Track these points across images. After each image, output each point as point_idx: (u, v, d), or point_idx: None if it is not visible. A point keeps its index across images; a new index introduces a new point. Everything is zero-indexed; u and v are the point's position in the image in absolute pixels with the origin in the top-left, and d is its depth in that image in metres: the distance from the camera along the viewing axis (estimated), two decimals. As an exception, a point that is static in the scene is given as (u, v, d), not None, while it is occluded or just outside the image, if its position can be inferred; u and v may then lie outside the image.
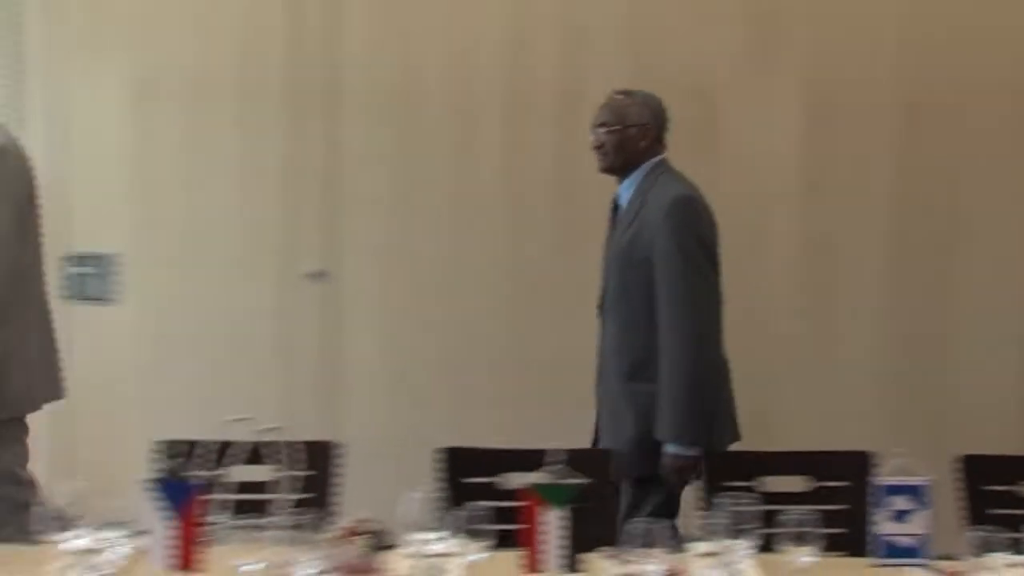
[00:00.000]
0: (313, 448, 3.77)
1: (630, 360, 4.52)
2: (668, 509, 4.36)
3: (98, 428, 6.31)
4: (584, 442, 4.53)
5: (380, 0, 6.32)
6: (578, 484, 2.96)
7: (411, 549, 3.09)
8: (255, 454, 3.60)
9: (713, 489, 3.47)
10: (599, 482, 3.43)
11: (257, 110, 6.33)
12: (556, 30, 6.26)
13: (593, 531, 3.11)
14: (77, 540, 3.15)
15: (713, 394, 4.45)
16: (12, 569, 3.26)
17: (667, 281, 4.37)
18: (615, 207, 4.71)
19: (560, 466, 3.00)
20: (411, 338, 6.36)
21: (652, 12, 6.21)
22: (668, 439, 4.33)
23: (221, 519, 3.34)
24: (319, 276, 6.33)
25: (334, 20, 6.26)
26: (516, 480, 3.57)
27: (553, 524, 2.95)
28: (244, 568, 2.92)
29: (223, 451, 3.55)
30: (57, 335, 4.62)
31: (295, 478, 3.54)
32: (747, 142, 6.23)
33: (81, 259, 6.39)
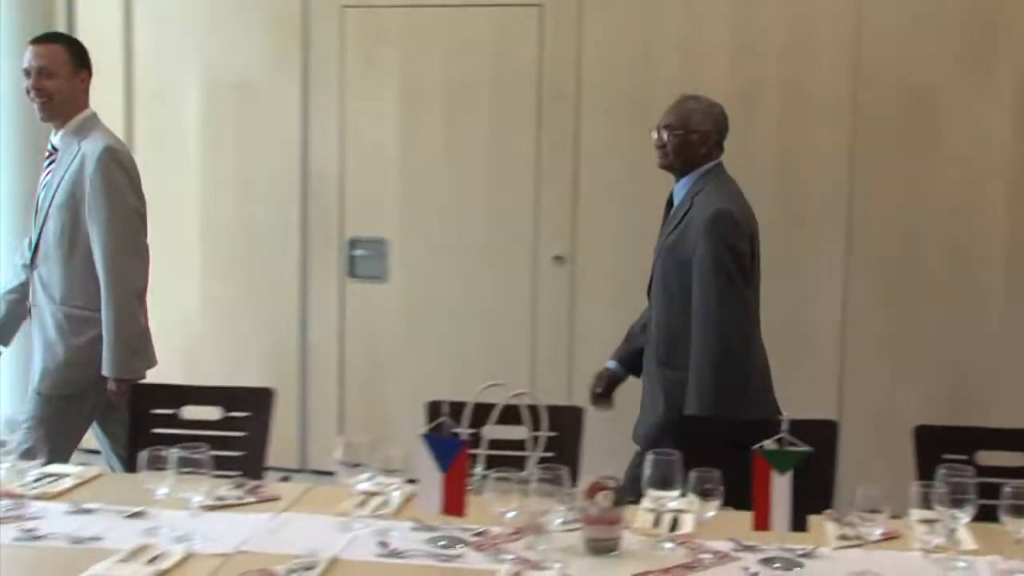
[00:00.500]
0: (556, 412, 3.79)
1: (665, 346, 4.52)
2: None
3: (369, 388, 6.54)
4: (812, 413, 4.48)
5: (615, 13, 6.37)
6: (803, 452, 3.00)
7: (651, 504, 3.20)
8: (508, 415, 3.69)
9: (931, 462, 3.43)
10: (820, 450, 3.41)
11: (508, 112, 6.46)
12: (779, 31, 6.23)
13: (814, 495, 3.12)
14: (363, 483, 3.36)
15: (731, 391, 4.33)
16: (315, 503, 3.45)
17: (701, 285, 4.35)
18: (669, 203, 4.68)
19: (786, 435, 3.00)
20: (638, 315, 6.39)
21: (873, 12, 6.11)
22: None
23: (480, 471, 3.46)
24: (560, 260, 6.44)
25: (574, 32, 6.35)
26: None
27: (781, 487, 2.94)
28: (508, 514, 3.05)
29: (481, 412, 3.63)
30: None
31: (542, 437, 3.61)
32: (962, 143, 6.08)
33: (358, 243, 6.63)
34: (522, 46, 6.44)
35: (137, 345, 4.66)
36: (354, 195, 6.60)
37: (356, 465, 3.25)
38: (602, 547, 2.97)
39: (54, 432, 4.38)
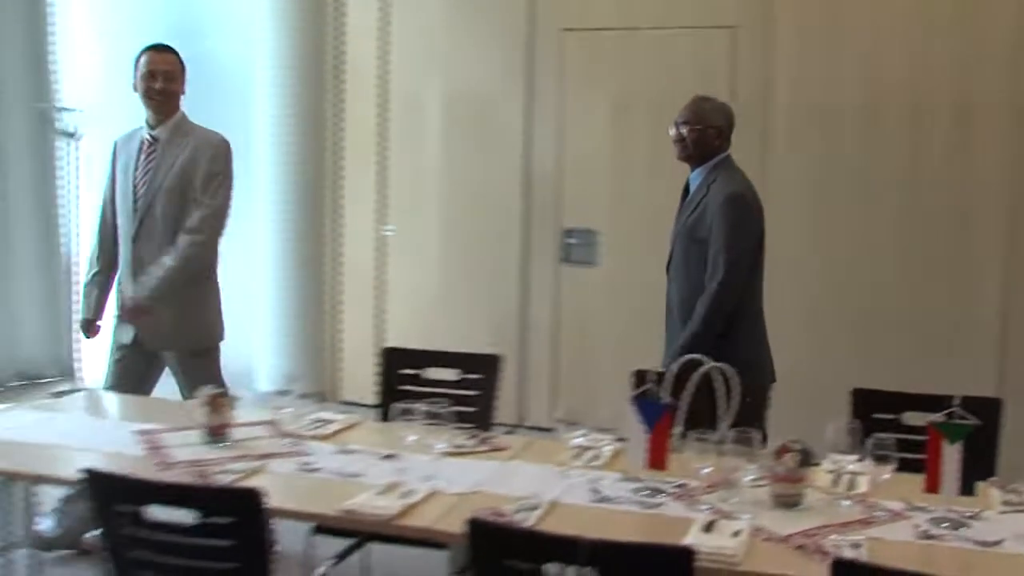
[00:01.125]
0: (744, 384, 3.67)
1: (686, 314, 4.51)
2: None
3: (579, 357, 6.63)
4: (972, 390, 4.39)
5: (803, 35, 6.32)
6: (971, 425, 2.97)
7: (831, 466, 3.23)
8: (703, 385, 3.70)
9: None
10: (985, 424, 3.34)
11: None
12: (951, 41, 6.14)
13: (980, 464, 3.07)
14: (578, 439, 3.46)
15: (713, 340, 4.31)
16: (537, 454, 3.53)
17: (715, 256, 4.38)
18: (686, 190, 4.69)
19: (956, 408, 2.97)
20: (829, 300, 6.35)
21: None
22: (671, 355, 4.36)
23: (679, 432, 3.51)
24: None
25: (766, 51, 6.33)
26: (917, 418, 3.54)
27: (951, 456, 2.90)
28: (704, 470, 3.09)
29: (679, 381, 3.65)
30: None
31: (733, 405, 3.62)
32: None
33: (571, 233, 6.72)
34: (718, 63, 6.43)
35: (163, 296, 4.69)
36: (569, 191, 6.69)
37: (573, 423, 3.33)
38: (787, 502, 2.99)
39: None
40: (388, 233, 7.12)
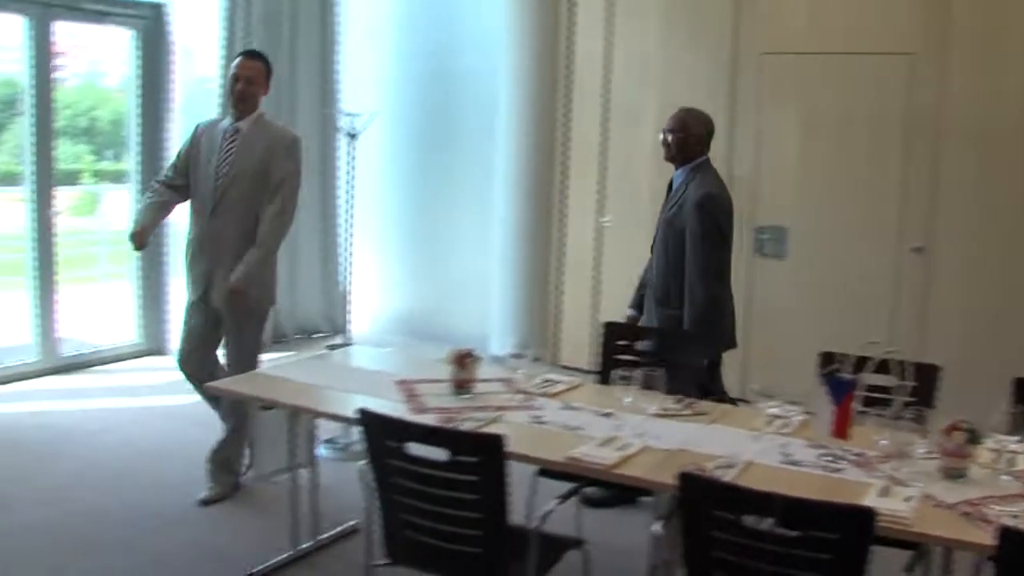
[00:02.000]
0: (922, 368, 3.65)
1: (662, 291, 4.62)
2: None
3: (769, 338, 6.51)
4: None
5: (976, 62, 6.03)
6: None
7: (994, 445, 3.09)
8: (882, 366, 3.59)
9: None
10: None
11: (882, 135, 6.27)
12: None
13: None
14: (772, 408, 3.39)
15: (715, 318, 4.51)
16: (733, 420, 3.46)
17: (692, 247, 4.47)
18: (670, 186, 4.75)
19: None
20: (993, 298, 6.07)
21: None
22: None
23: (861, 408, 3.41)
24: (918, 251, 6.23)
25: (943, 77, 6.08)
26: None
27: None
28: (881, 442, 3.00)
29: (861, 362, 3.55)
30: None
31: (908, 386, 3.50)
32: None
33: (764, 229, 6.59)
34: (896, 86, 6.21)
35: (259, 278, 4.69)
36: (763, 193, 6.56)
37: (769, 396, 3.26)
38: (954, 474, 2.88)
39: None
40: (606, 224, 7.11)
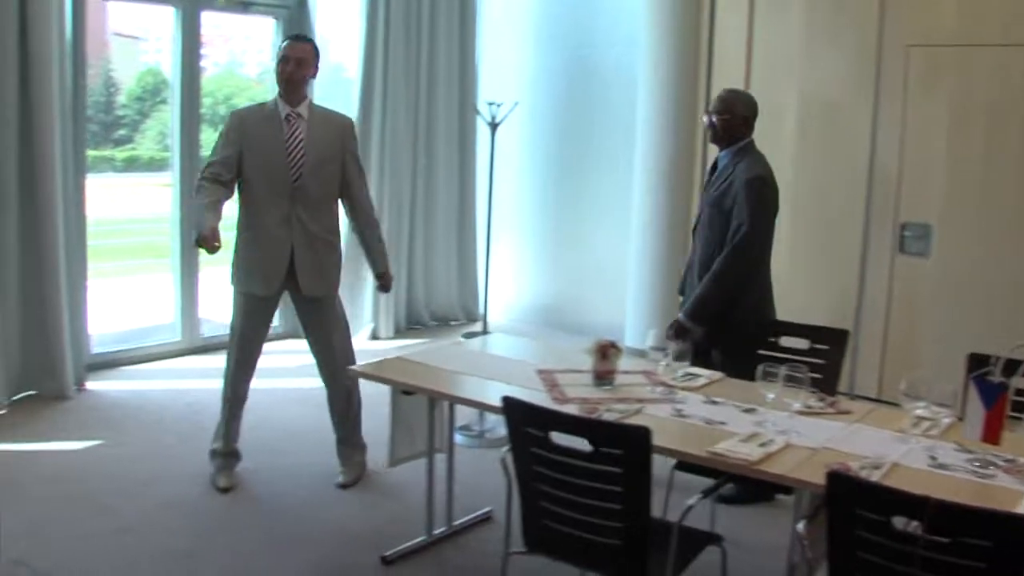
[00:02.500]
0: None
1: (706, 271, 4.60)
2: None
3: (908, 338, 6.38)
4: None
5: None
6: None
7: None
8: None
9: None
10: None
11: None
12: None
13: None
14: (918, 410, 3.32)
15: (726, 298, 4.54)
16: (878, 420, 3.42)
17: (737, 227, 4.48)
18: (714, 167, 4.75)
19: None
20: None
21: None
22: (684, 315, 4.57)
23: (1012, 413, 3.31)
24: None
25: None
26: None
27: None
28: None
29: (1011, 365, 3.45)
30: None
31: None
32: None
33: (907, 226, 6.43)
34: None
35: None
36: (907, 189, 6.40)
37: (916, 397, 3.20)
38: None
39: None
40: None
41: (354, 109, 7.56)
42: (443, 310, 8.52)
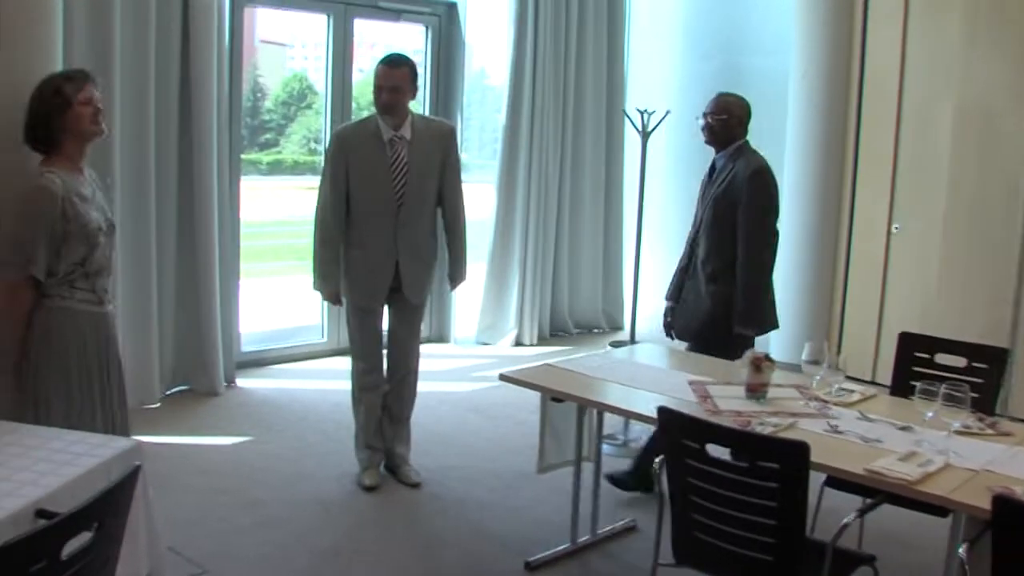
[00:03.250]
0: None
1: (712, 269, 4.74)
2: None
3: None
4: None
5: None
6: None
7: None
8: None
9: None
10: None
11: None
12: None
13: None
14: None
15: (765, 296, 4.75)
16: None
17: (745, 222, 4.64)
18: (712, 169, 4.89)
19: None
20: None
21: None
22: (739, 325, 4.65)
23: None
24: None
25: None
26: None
27: None
28: None
29: None
30: None
31: None
32: None
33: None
34: None
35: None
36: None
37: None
38: None
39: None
40: (895, 230, 6.91)
41: (501, 115, 7.68)
42: (586, 318, 8.57)
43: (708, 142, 4.90)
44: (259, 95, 14.18)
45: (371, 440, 5.00)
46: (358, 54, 7.53)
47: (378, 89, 4.62)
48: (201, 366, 6.32)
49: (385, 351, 5.01)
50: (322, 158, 7.14)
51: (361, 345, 4.94)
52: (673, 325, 5.08)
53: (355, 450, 5.06)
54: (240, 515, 4.55)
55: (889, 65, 6.91)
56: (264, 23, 13.02)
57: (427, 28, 7.70)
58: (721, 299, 4.72)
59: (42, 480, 2.50)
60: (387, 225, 4.74)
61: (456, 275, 5.04)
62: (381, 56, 4.76)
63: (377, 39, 9.56)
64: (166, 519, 3.89)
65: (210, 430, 5.71)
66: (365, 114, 5.28)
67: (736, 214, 4.66)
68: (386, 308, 4.97)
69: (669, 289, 5.11)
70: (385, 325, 5.02)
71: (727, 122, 4.79)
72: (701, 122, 4.87)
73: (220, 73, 6.15)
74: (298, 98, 14.41)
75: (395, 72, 4.63)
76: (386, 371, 5.01)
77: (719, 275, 4.74)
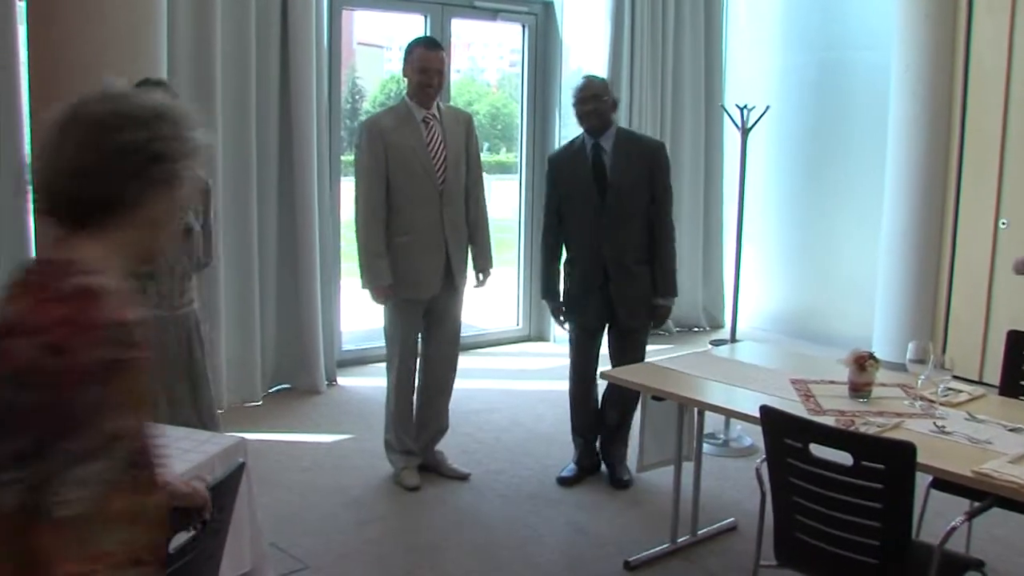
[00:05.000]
0: None
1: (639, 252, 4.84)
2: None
3: None
4: None
5: None
6: None
7: None
8: None
9: None
10: None
11: None
12: None
13: None
14: None
15: None
16: None
17: (665, 204, 4.89)
18: (597, 155, 4.83)
19: None
20: None
21: None
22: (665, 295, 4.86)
23: None
24: None
25: None
26: None
27: None
28: None
29: None
30: None
31: None
32: None
33: None
34: None
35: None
36: None
37: None
38: None
39: None
40: (1002, 226, 6.73)
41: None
42: (687, 316, 8.51)
43: (593, 127, 4.83)
44: (357, 97, 14.38)
45: (409, 444, 5.03)
46: (455, 54, 7.59)
47: (427, 72, 4.66)
48: (303, 365, 6.44)
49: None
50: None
51: (401, 347, 4.93)
52: None
53: (389, 453, 5.09)
54: (340, 512, 4.63)
55: (996, 56, 6.71)
56: (362, 25, 13.15)
57: (524, 27, 7.73)
58: (647, 281, 4.91)
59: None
60: (432, 209, 4.74)
61: (483, 266, 5.01)
62: (418, 39, 4.90)
63: (474, 38, 9.64)
64: (268, 515, 3.99)
65: (311, 428, 5.81)
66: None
67: (646, 191, 4.84)
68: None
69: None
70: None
71: (609, 104, 4.85)
72: (585, 107, 4.81)
73: (319, 75, 6.26)
74: (396, 99, 14.60)
75: (440, 54, 4.73)
76: (429, 366, 5.05)
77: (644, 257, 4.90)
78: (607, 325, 4.95)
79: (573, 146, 4.98)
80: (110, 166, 1.57)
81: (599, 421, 5.08)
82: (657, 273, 4.86)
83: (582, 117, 4.82)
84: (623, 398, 4.89)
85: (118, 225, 1.61)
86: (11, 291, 1.56)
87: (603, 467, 5.10)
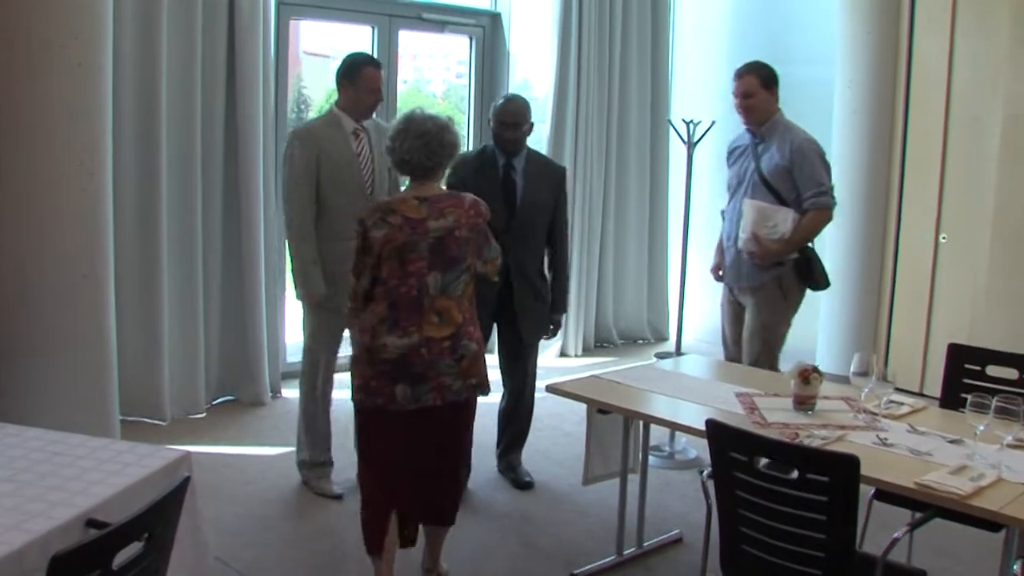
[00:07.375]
0: None
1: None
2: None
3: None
4: None
5: None
6: None
7: None
8: None
9: None
10: None
11: None
12: None
13: None
14: None
15: None
16: None
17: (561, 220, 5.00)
18: (508, 174, 4.89)
19: None
20: None
21: None
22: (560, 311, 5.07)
23: None
24: None
25: None
26: None
27: None
28: None
29: None
30: None
31: None
32: None
33: None
34: None
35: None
36: None
37: None
38: None
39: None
40: (942, 240, 6.83)
41: (546, 126, 7.69)
42: (631, 329, 8.55)
43: (514, 148, 4.88)
44: (303, 107, 14.27)
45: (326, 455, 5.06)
46: (401, 64, 7.57)
47: (375, 92, 4.76)
48: (247, 376, 6.37)
49: None
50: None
51: (329, 347, 4.93)
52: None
53: (306, 465, 5.07)
54: (285, 525, 4.59)
55: (936, 72, 6.83)
56: (308, 35, 13.06)
57: (471, 39, 7.73)
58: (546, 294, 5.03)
59: (92, 489, 2.54)
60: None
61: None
62: (364, 57, 4.90)
63: (420, 49, 9.60)
64: (212, 529, 3.93)
65: (256, 440, 5.75)
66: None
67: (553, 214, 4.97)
68: None
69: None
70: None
71: (527, 129, 4.91)
72: (505, 134, 4.83)
73: (266, 84, 6.21)
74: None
75: (381, 73, 4.82)
76: None
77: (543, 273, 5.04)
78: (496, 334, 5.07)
79: (484, 156, 4.96)
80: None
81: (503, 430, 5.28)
82: (555, 290, 5.01)
83: (501, 140, 4.85)
84: (527, 410, 5.17)
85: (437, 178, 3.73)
86: (431, 203, 3.63)
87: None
